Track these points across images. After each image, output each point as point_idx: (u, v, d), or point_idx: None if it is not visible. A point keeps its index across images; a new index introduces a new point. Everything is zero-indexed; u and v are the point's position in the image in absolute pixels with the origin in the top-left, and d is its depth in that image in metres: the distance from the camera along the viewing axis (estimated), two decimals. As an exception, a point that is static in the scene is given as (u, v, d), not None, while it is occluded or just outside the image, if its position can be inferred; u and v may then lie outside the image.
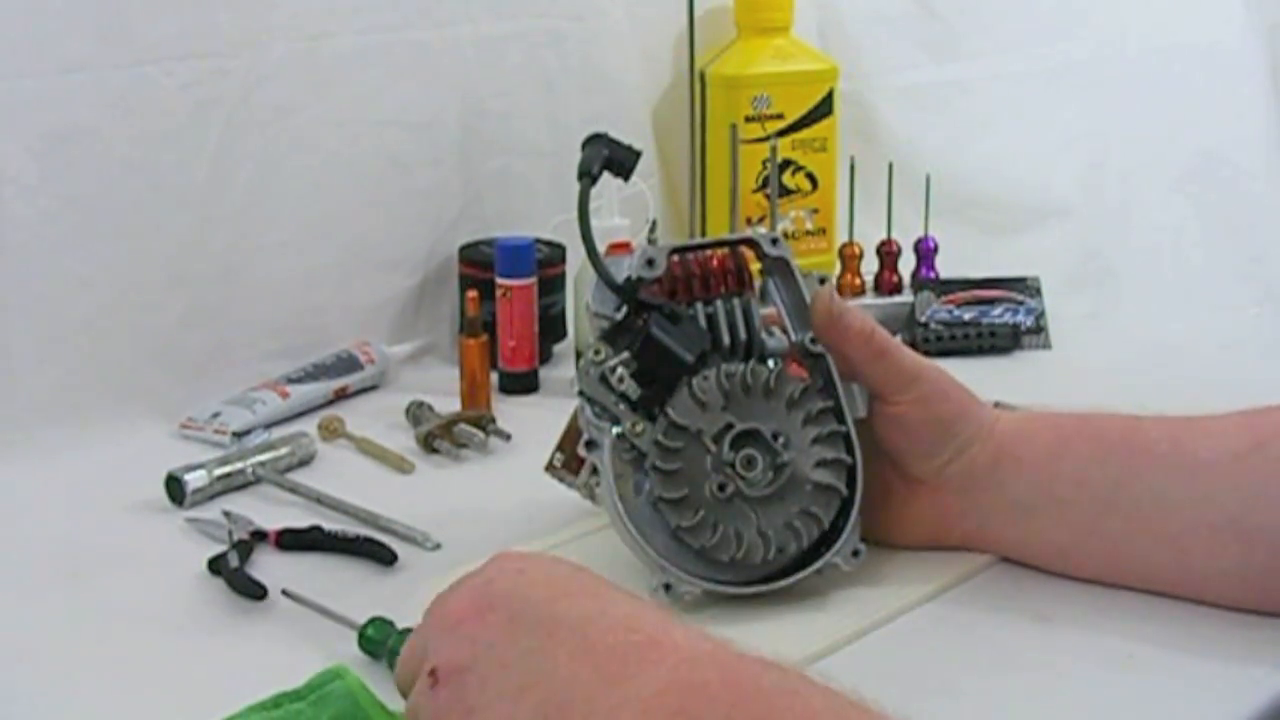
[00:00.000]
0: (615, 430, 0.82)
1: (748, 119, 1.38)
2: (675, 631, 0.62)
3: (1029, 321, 1.31)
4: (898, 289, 1.35)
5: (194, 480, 0.99)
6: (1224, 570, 0.81)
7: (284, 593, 0.84)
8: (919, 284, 1.35)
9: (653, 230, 1.24)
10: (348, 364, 1.20)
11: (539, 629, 0.63)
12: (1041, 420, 0.87)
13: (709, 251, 0.86)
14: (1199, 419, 0.84)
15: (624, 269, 0.83)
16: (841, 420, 0.83)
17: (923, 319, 1.31)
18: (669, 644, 0.62)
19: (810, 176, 1.42)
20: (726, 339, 0.84)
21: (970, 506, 0.86)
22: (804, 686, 0.60)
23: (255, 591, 0.85)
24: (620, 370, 0.82)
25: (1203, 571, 0.82)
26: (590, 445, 0.83)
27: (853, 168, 1.36)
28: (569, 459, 0.92)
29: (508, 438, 1.10)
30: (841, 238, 1.37)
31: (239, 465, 1.02)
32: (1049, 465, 0.85)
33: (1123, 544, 0.83)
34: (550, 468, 0.93)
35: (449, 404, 1.13)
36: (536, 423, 1.07)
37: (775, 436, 0.82)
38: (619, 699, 0.60)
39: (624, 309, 0.83)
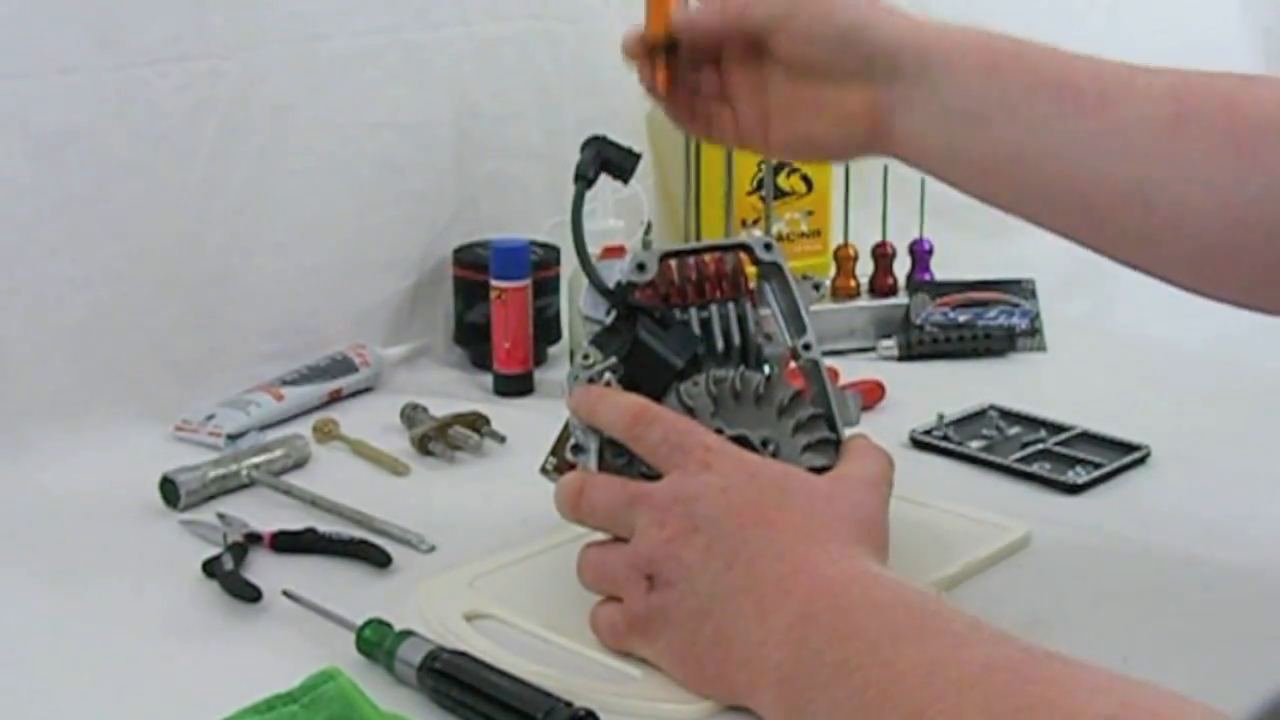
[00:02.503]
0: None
1: (743, 121, 1.38)
2: (822, 558, 0.71)
3: (1024, 324, 1.31)
4: (893, 291, 1.36)
5: (188, 482, 0.99)
6: (1127, 232, 0.83)
7: (284, 593, 0.84)
8: (914, 286, 1.35)
9: (647, 233, 1.24)
10: (342, 366, 1.19)
11: (724, 558, 0.73)
12: (974, 36, 0.87)
13: (705, 256, 0.86)
14: (1133, 73, 0.83)
15: (616, 273, 0.83)
16: (833, 427, 0.83)
17: (918, 321, 1.31)
18: (809, 575, 0.70)
19: (805, 178, 1.42)
20: (721, 344, 0.84)
21: (901, 101, 0.85)
22: (920, 615, 0.67)
23: (250, 594, 0.85)
24: (609, 375, 0.82)
25: (1107, 229, 0.84)
26: (577, 449, 0.82)
27: (848, 170, 1.35)
28: (561, 462, 0.92)
29: (502, 440, 1.10)
30: (837, 240, 1.37)
31: (233, 467, 1.01)
32: (981, 82, 0.84)
33: (1037, 188, 0.85)
34: (544, 470, 0.93)
35: (444, 406, 1.13)
36: (531, 425, 1.07)
37: (765, 443, 0.81)
38: (764, 633, 0.70)
39: (614, 313, 0.83)
